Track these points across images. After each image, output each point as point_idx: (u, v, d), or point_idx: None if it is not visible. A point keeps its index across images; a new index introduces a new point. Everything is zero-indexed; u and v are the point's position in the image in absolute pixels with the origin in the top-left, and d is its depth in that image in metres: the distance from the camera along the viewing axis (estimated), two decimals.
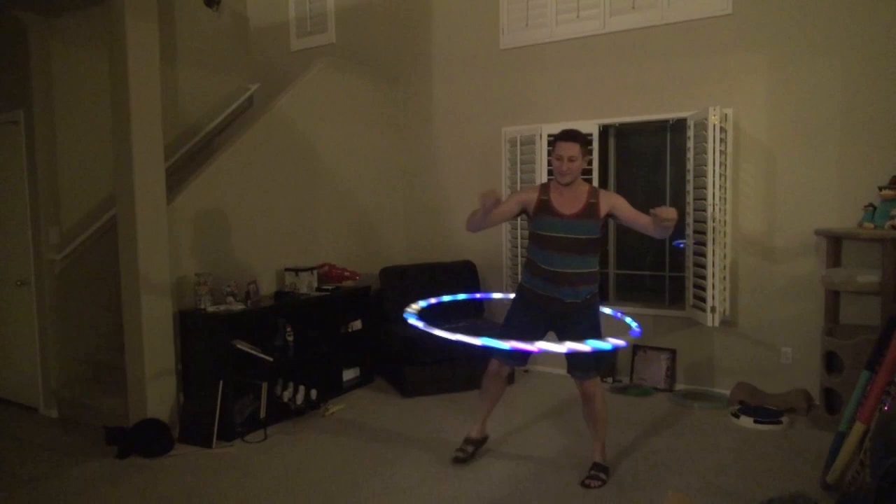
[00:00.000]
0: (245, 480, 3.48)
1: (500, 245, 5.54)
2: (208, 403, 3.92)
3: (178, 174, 4.81)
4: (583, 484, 3.32)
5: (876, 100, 4.17)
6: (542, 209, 3.30)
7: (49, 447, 4.00)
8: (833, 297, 4.31)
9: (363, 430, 4.18)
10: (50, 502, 3.29)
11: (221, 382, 3.91)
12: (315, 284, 4.78)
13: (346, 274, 5.03)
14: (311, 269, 4.80)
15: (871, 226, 4.05)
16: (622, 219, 3.31)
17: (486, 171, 5.59)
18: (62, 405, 4.53)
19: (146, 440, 3.77)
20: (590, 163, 4.96)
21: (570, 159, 3.19)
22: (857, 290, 4.04)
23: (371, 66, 5.89)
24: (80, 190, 4.65)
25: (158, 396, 3.96)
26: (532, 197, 3.35)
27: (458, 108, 5.74)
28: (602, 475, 3.36)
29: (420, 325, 2.99)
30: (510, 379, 3.75)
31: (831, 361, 4.12)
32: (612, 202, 3.30)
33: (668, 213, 2.93)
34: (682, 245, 4.79)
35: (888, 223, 3.95)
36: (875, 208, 4.11)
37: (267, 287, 4.66)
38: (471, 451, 3.65)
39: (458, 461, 3.59)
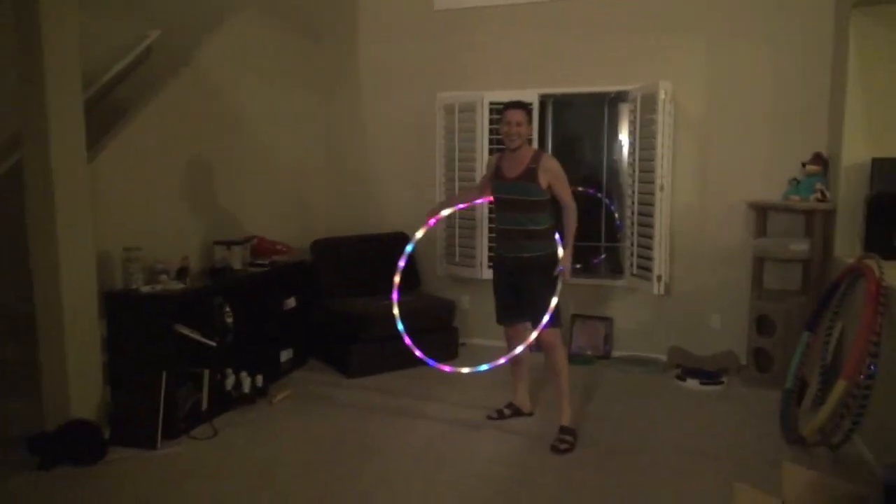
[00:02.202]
0: (207, 485, 3.04)
1: None
2: (146, 398, 3.37)
3: None
4: (552, 448, 3.38)
5: (800, 82, 4.49)
6: (495, 175, 3.61)
7: None
8: (759, 265, 4.64)
9: (323, 416, 3.85)
10: None
11: (165, 373, 3.38)
12: (248, 259, 4.31)
13: (279, 247, 4.58)
14: (243, 242, 4.30)
15: (797, 198, 4.38)
16: (553, 191, 3.52)
17: (418, 139, 5.35)
18: None
19: (74, 445, 3.17)
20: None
21: (518, 124, 3.46)
22: (788, 258, 4.37)
23: (291, 19, 5.35)
24: None
25: (82, 393, 3.33)
26: (492, 165, 3.67)
27: (388, 71, 5.41)
28: (569, 437, 3.43)
29: None
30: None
31: (761, 324, 4.44)
32: (551, 174, 3.48)
33: (566, 275, 3.49)
34: (620, 225, 4.97)
35: (813, 196, 4.30)
36: (798, 182, 4.45)
37: (194, 263, 4.09)
38: (508, 414, 3.79)
39: (489, 418, 3.76)
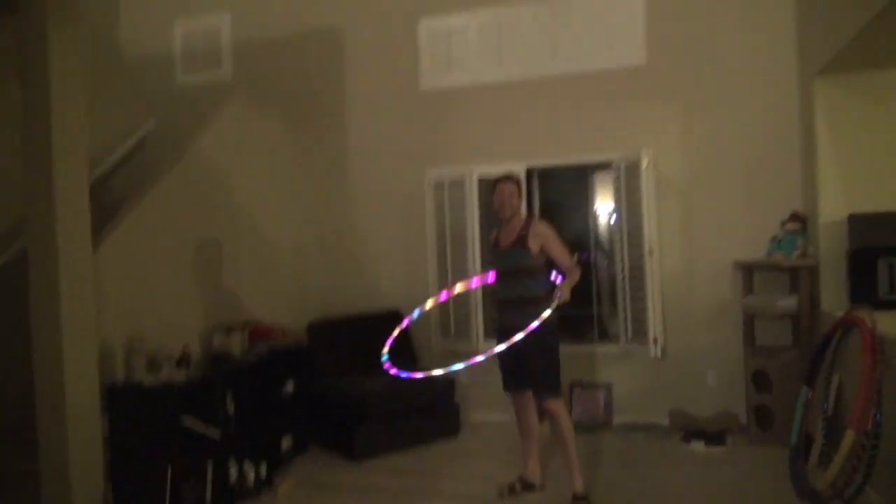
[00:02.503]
0: None
1: (427, 293, 5.37)
2: (150, 495, 3.27)
3: None
4: None
5: (772, 145, 4.73)
6: (493, 244, 3.81)
7: None
8: (749, 322, 4.74)
9: None
10: None
11: (170, 467, 3.29)
12: (246, 345, 4.27)
13: (275, 331, 4.56)
14: (241, 328, 4.28)
15: (781, 255, 4.54)
16: (548, 255, 3.63)
17: (409, 216, 5.45)
18: None
19: None
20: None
21: (510, 195, 3.68)
22: (777, 314, 4.48)
23: (277, 104, 5.52)
24: None
25: (83, 492, 3.22)
26: (492, 239, 3.85)
27: (377, 150, 5.56)
28: None
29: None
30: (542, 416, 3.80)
31: (758, 379, 4.50)
32: (542, 239, 3.62)
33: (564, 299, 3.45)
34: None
35: (795, 253, 4.46)
36: (780, 240, 4.62)
37: (193, 349, 4.03)
38: (519, 489, 3.70)
39: (500, 496, 3.69)
